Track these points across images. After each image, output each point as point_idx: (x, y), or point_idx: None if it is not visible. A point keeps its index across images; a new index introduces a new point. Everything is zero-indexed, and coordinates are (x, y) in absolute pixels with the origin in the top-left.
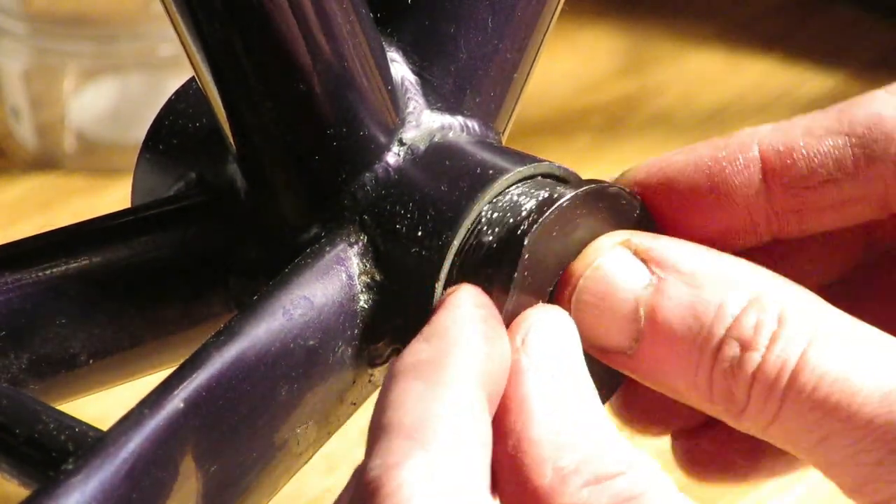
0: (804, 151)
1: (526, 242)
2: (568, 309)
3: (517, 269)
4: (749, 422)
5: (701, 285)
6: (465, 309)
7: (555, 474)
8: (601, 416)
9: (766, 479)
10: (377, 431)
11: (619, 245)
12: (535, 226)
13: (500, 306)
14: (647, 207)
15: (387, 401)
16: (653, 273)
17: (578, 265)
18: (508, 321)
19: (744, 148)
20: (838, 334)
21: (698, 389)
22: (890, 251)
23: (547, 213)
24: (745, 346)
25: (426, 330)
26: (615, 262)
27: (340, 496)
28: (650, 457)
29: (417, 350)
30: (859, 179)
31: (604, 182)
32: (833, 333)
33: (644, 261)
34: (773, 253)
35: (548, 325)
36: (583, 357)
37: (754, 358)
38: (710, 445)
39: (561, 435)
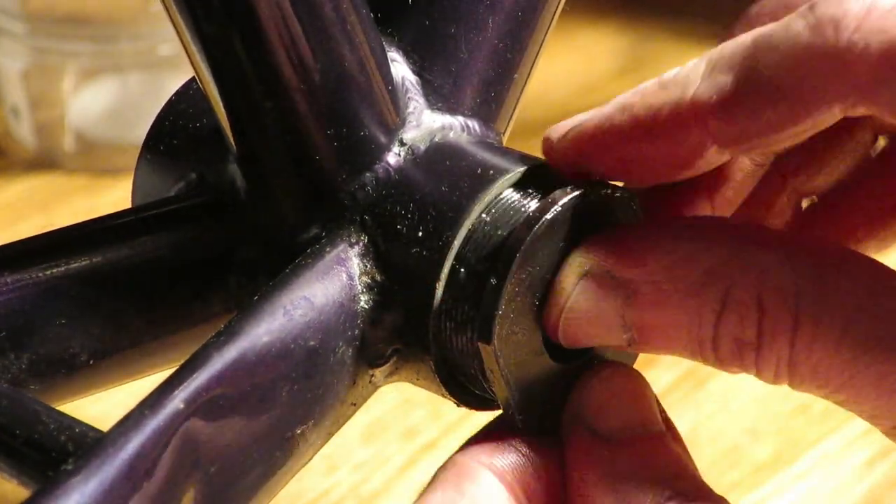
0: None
1: (526, 243)
2: (556, 333)
3: (515, 269)
4: (768, 382)
5: (674, 290)
6: None
7: None
8: (669, 463)
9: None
10: None
11: (582, 279)
12: (535, 226)
13: (496, 309)
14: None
15: None
16: (625, 289)
17: (551, 308)
18: (505, 324)
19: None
20: (821, 308)
21: (708, 364)
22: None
23: (548, 214)
24: (738, 343)
25: None
26: (585, 296)
27: None
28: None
29: None
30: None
31: (603, 182)
32: (816, 308)
33: (612, 279)
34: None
35: (603, 384)
36: (653, 408)
37: (750, 354)
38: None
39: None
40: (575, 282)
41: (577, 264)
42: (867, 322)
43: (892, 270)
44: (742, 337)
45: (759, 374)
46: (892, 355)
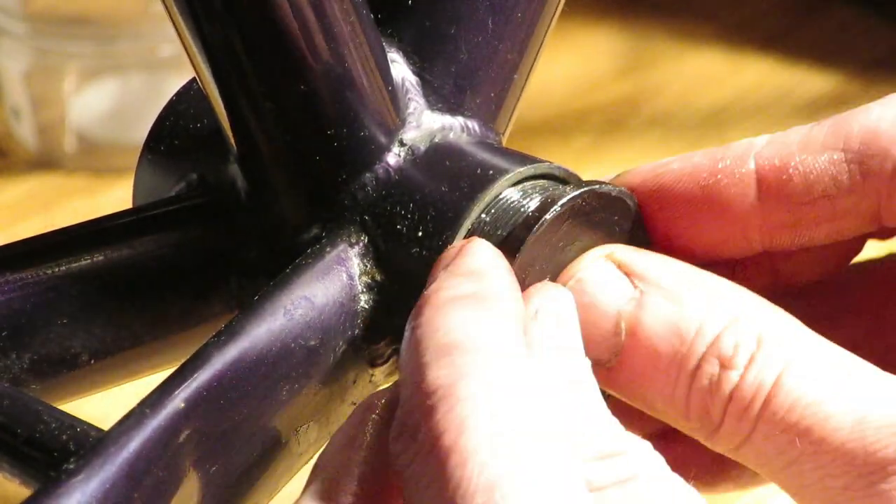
0: (801, 167)
1: (526, 243)
2: None
3: (515, 269)
4: (722, 440)
5: (683, 302)
6: (495, 257)
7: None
8: (600, 398)
9: (733, 490)
10: (428, 350)
11: (602, 257)
12: (535, 226)
13: None
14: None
15: (435, 324)
16: (636, 287)
17: (562, 277)
18: None
19: (740, 161)
20: (814, 358)
21: (675, 406)
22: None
23: (547, 214)
24: (723, 365)
25: (455, 267)
26: (598, 275)
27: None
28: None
29: (456, 283)
30: (854, 195)
31: (603, 183)
32: (809, 357)
33: (627, 274)
34: (762, 261)
35: (555, 301)
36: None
37: (732, 378)
38: (678, 451)
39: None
40: (593, 258)
41: (602, 248)
42: (847, 394)
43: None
44: (730, 363)
45: (720, 426)
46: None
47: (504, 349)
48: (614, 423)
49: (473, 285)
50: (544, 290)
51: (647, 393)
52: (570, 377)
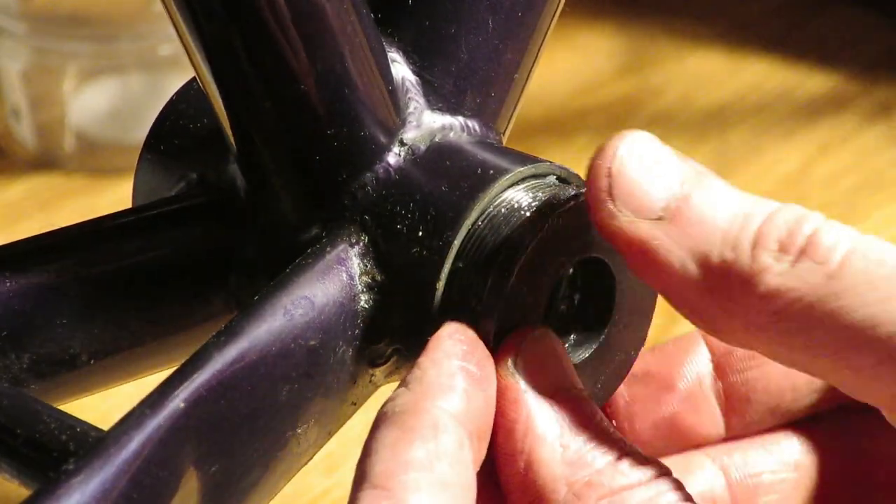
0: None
1: (527, 243)
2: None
3: (517, 270)
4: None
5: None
6: (444, 348)
7: (569, 490)
8: (606, 427)
9: None
10: (354, 480)
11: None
12: (536, 226)
13: (496, 309)
14: None
15: (365, 448)
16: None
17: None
18: (504, 325)
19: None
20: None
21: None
22: None
23: (548, 214)
24: (791, 231)
25: (408, 375)
26: (643, 158)
27: None
28: (662, 462)
29: (396, 396)
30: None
31: None
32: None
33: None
34: None
35: (535, 345)
36: (574, 372)
37: (797, 245)
38: None
39: (570, 451)
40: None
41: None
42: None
43: None
44: (797, 228)
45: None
46: None
47: (418, 476)
48: (626, 451)
49: (408, 394)
50: (522, 341)
51: (705, 245)
52: (568, 419)
